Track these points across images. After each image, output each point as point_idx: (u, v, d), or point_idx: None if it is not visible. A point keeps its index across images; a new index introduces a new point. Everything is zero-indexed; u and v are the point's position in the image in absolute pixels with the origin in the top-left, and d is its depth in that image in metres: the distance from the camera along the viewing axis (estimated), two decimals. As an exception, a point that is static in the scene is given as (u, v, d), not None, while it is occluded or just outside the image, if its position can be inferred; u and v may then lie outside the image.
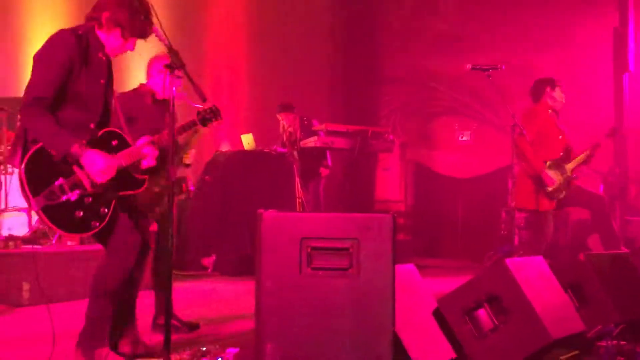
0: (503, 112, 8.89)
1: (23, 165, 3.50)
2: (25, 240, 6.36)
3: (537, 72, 8.01)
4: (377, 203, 11.65)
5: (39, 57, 3.60)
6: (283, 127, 8.88)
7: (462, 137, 11.02)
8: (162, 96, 4.83)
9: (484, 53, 10.23)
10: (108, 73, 3.86)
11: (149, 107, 4.88)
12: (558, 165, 6.69)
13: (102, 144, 3.74)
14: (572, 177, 6.70)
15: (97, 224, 3.66)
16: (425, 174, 11.39)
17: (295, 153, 8.73)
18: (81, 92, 3.66)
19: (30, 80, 3.58)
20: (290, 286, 2.89)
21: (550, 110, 6.86)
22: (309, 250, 2.86)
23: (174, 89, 3.71)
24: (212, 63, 10.18)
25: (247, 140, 8.94)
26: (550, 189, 6.59)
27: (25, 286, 5.92)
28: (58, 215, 3.54)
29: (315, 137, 8.74)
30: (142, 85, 4.97)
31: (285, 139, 8.84)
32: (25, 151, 3.54)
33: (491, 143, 10.40)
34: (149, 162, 3.96)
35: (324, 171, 9.05)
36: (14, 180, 6.22)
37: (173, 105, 3.69)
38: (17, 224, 6.43)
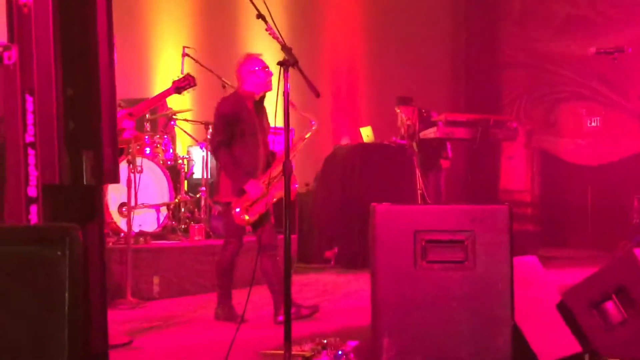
0: (633, 95, 8.47)
1: None
2: (154, 235, 6.62)
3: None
4: (502, 193, 11.35)
5: None
6: (402, 120, 8.82)
7: (590, 123, 10.60)
8: (259, 93, 5.03)
9: (612, 34, 9.80)
10: None
11: (250, 110, 5.05)
12: None
13: None
14: None
15: None
16: (552, 162, 11.02)
17: (414, 145, 8.66)
18: None
19: None
20: (406, 280, 2.87)
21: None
22: (423, 243, 2.83)
23: (288, 85, 3.75)
24: (329, 56, 10.24)
25: (366, 133, 8.93)
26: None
27: (156, 280, 6.16)
28: None
29: (435, 128, 8.63)
30: (240, 89, 5.12)
31: (404, 131, 8.78)
32: None
33: (622, 128, 9.95)
34: (128, 134, 4.20)
35: (444, 163, 8.92)
36: (143, 178, 6.47)
37: (288, 101, 3.74)
38: (148, 220, 6.68)
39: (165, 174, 6.81)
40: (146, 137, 6.91)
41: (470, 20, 11.30)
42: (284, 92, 3.71)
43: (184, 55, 7.15)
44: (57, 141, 2.40)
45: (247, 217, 5.01)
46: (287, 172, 3.68)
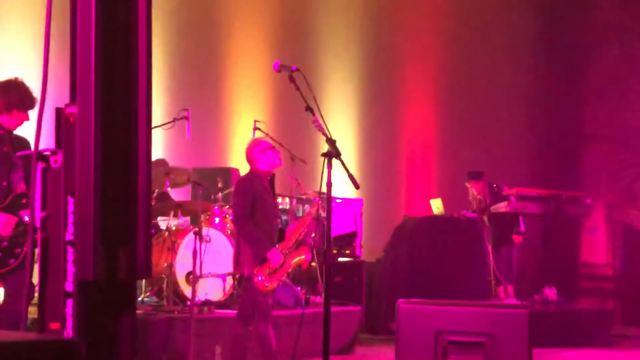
0: None
1: None
2: (219, 304, 6.80)
3: None
4: (582, 266, 11.12)
5: None
6: (472, 194, 8.83)
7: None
8: (272, 170, 5.50)
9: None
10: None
11: (266, 187, 5.45)
12: None
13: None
14: None
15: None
16: (635, 235, 10.74)
17: (485, 218, 8.63)
18: None
19: None
20: (428, 378, 2.92)
21: None
22: (444, 343, 2.88)
23: (329, 176, 3.91)
24: (405, 127, 10.38)
25: (437, 205, 8.97)
26: None
27: (218, 350, 6.31)
28: None
29: (506, 202, 8.60)
30: (254, 169, 5.50)
31: (475, 206, 8.78)
32: None
33: None
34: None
35: (516, 238, 8.83)
36: (211, 248, 6.70)
37: (330, 190, 3.89)
38: (214, 289, 6.88)
39: (232, 244, 7.01)
40: (216, 207, 7.15)
41: (549, 92, 11.25)
42: (327, 182, 3.85)
43: (255, 129, 7.42)
44: (94, 239, 2.59)
45: (269, 285, 5.33)
46: (328, 258, 3.81)
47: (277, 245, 5.43)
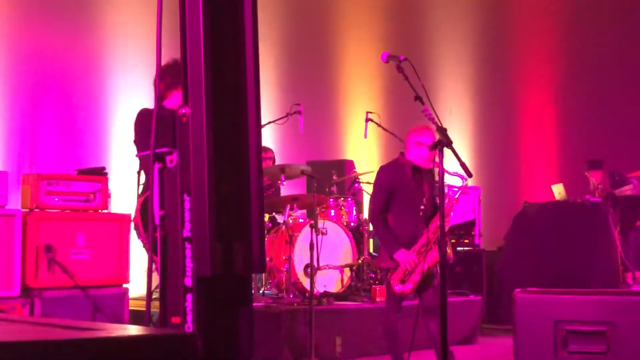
0: None
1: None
2: (338, 296, 6.87)
3: None
4: None
5: None
6: (593, 184, 8.53)
7: None
8: (421, 166, 5.07)
9: None
10: None
11: (408, 178, 5.11)
12: None
13: None
14: None
15: None
16: None
17: (609, 204, 8.32)
18: None
19: None
20: (549, 368, 2.85)
21: None
22: (563, 333, 2.80)
23: (442, 165, 3.86)
24: (521, 112, 10.13)
25: (558, 190, 8.71)
26: None
27: (338, 341, 6.38)
28: None
29: (631, 185, 8.25)
30: (401, 156, 5.22)
31: (597, 195, 8.48)
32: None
33: None
34: None
35: (642, 222, 8.49)
36: (327, 240, 6.77)
37: (442, 179, 3.85)
38: (332, 281, 6.95)
39: (348, 236, 7.06)
40: (331, 199, 7.22)
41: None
42: (439, 172, 3.81)
43: (367, 120, 7.42)
44: (210, 235, 2.68)
45: (401, 288, 5.04)
46: (441, 248, 3.76)
47: (416, 243, 5.04)
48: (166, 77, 4.28)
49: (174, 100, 4.31)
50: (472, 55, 9.98)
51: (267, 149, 7.79)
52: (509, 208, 8.74)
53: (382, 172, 5.25)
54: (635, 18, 10.19)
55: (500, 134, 9.82)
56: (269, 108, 8.31)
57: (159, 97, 4.25)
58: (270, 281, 6.98)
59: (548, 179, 9.38)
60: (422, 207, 5.04)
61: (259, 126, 2.86)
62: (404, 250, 5.03)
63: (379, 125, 7.24)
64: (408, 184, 5.10)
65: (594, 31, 10.03)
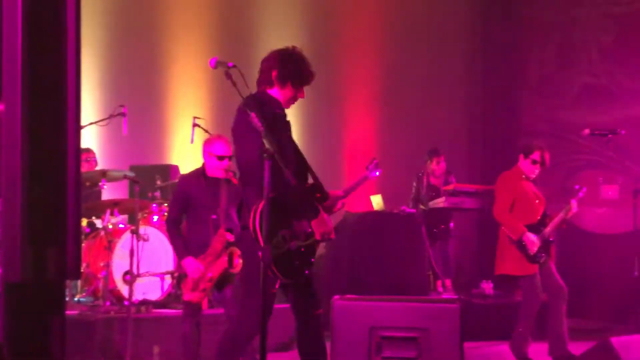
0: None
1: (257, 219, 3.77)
2: (157, 304, 6.72)
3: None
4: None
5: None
6: (431, 171, 8.88)
7: (606, 192, 10.57)
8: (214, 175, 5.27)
9: (631, 106, 9.85)
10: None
11: (203, 187, 5.31)
12: None
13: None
14: None
15: (307, 271, 3.80)
16: (568, 229, 10.96)
17: (422, 213, 8.75)
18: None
19: None
20: (363, 373, 2.94)
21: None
22: (378, 339, 2.90)
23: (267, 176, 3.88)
24: (344, 128, 10.42)
25: (377, 201, 9.03)
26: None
27: (156, 350, 6.24)
28: (281, 263, 3.66)
29: (444, 198, 8.72)
30: (202, 166, 5.41)
31: (424, 191, 8.83)
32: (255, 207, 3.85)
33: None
34: None
35: (453, 232, 9.01)
36: (149, 246, 6.61)
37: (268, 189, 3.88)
38: (152, 288, 6.79)
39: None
40: (154, 205, 7.07)
41: (487, 88, 11.41)
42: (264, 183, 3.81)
43: (194, 125, 7.36)
44: (21, 239, 2.54)
45: (189, 296, 5.23)
46: (264, 256, 3.77)
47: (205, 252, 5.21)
48: None
49: None
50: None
51: (89, 150, 7.53)
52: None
53: (180, 181, 5.53)
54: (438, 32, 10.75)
55: (324, 149, 10.01)
56: (91, 108, 8.02)
57: None
58: (87, 288, 6.73)
59: (367, 190, 9.69)
60: (213, 216, 5.22)
61: (78, 126, 2.75)
62: (191, 258, 5.17)
63: (206, 131, 7.19)
64: (202, 193, 5.26)
65: (409, 51, 10.53)
